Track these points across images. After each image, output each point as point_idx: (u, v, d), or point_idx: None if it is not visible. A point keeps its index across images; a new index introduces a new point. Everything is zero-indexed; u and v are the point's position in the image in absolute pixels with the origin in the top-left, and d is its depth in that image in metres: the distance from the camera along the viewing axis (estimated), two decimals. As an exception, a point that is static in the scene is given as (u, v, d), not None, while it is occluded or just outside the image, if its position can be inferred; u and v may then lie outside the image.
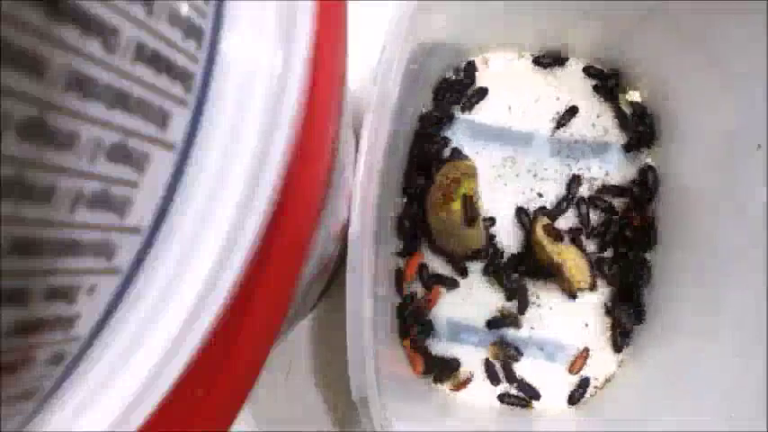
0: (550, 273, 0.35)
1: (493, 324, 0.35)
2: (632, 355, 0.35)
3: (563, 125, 0.37)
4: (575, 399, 0.35)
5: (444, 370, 0.35)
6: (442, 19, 0.31)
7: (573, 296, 0.35)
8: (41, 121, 0.09)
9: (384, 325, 0.30)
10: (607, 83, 0.37)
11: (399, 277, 0.35)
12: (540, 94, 0.37)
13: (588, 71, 0.37)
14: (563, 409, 0.35)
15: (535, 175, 0.37)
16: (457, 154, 0.36)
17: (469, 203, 0.32)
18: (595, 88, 0.37)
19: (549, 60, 0.37)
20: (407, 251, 0.35)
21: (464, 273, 0.35)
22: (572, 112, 0.36)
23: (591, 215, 0.36)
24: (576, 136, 0.37)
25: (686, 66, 0.32)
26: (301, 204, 0.13)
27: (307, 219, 0.14)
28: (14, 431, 0.11)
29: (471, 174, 0.33)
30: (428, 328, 0.35)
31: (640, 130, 0.36)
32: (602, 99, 0.37)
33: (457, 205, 0.32)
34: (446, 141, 0.36)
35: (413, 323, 0.34)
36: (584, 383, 0.35)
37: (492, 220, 0.36)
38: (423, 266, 0.35)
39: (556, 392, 0.35)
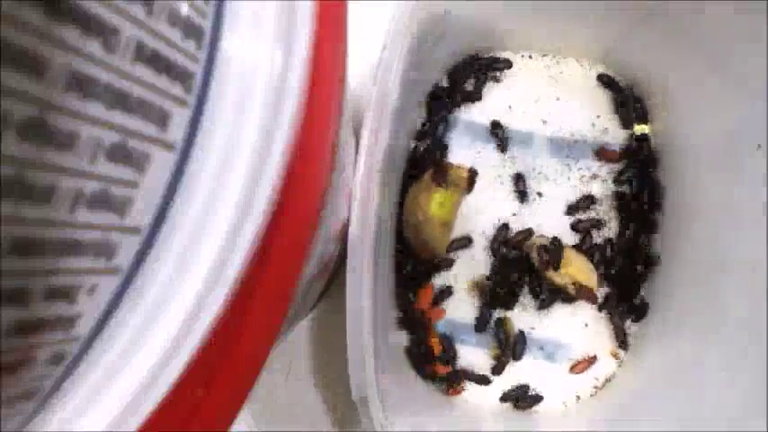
0: (557, 293, 0.35)
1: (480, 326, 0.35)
2: (632, 354, 0.35)
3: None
4: (507, 397, 0.35)
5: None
6: (443, 19, 0.31)
7: (594, 302, 0.35)
8: (41, 121, 0.09)
9: (384, 325, 0.30)
10: (621, 92, 0.37)
11: (411, 314, 0.34)
12: (540, 94, 0.37)
13: (602, 79, 0.37)
14: (563, 410, 0.35)
15: (535, 175, 0.36)
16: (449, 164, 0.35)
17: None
18: (615, 91, 0.37)
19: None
20: (417, 282, 0.34)
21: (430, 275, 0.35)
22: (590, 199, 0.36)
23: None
24: (576, 136, 0.37)
25: (686, 66, 0.32)
26: (301, 204, 0.13)
27: (307, 219, 0.14)
28: (14, 431, 0.11)
29: (460, 185, 0.32)
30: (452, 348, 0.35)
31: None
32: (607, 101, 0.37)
33: (432, 210, 0.31)
34: (446, 143, 0.36)
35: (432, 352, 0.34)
36: (523, 389, 0.35)
37: (468, 240, 0.35)
38: (443, 291, 0.35)
39: (555, 392, 0.35)
